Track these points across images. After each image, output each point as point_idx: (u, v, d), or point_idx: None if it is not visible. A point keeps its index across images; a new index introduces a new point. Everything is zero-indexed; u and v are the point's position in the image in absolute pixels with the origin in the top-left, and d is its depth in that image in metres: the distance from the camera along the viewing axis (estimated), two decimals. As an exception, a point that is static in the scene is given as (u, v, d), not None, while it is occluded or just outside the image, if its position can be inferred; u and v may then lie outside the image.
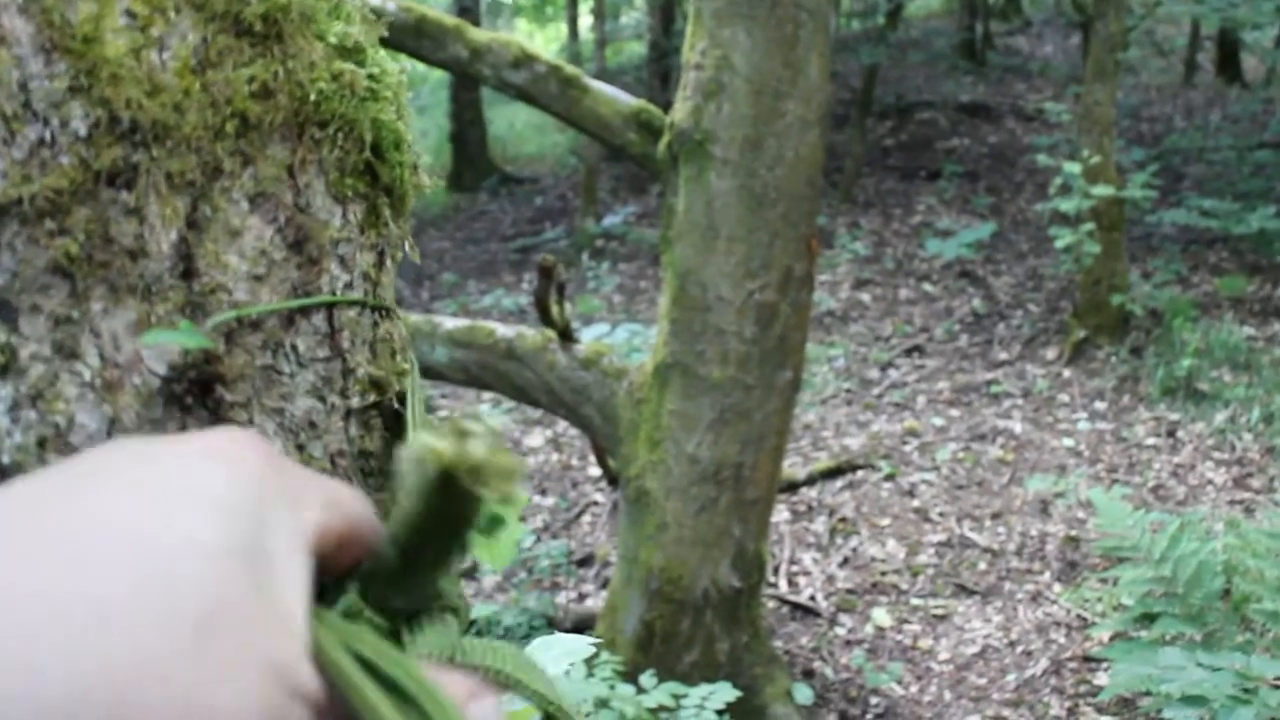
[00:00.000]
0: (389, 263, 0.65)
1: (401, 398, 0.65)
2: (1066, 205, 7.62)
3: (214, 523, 0.36)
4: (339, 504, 0.45)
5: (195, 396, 0.56)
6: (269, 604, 0.37)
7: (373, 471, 0.64)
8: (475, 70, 4.18)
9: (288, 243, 0.58)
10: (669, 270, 3.91)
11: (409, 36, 4.13)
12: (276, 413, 0.59)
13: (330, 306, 0.60)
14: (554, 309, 4.10)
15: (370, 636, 0.44)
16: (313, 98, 0.58)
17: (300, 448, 0.60)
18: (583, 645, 1.11)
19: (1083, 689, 4.42)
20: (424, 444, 0.42)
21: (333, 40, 0.59)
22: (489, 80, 4.27)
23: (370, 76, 0.61)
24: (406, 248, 0.68)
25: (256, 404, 0.58)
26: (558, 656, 1.10)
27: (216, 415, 0.57)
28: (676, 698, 3.39)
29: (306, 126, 0.58)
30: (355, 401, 0.62)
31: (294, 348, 0.59)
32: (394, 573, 0.48)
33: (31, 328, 0.53)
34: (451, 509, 0.44)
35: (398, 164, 0.64)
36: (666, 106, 3.88)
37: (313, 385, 0.60)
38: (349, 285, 0.61)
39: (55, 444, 0.55)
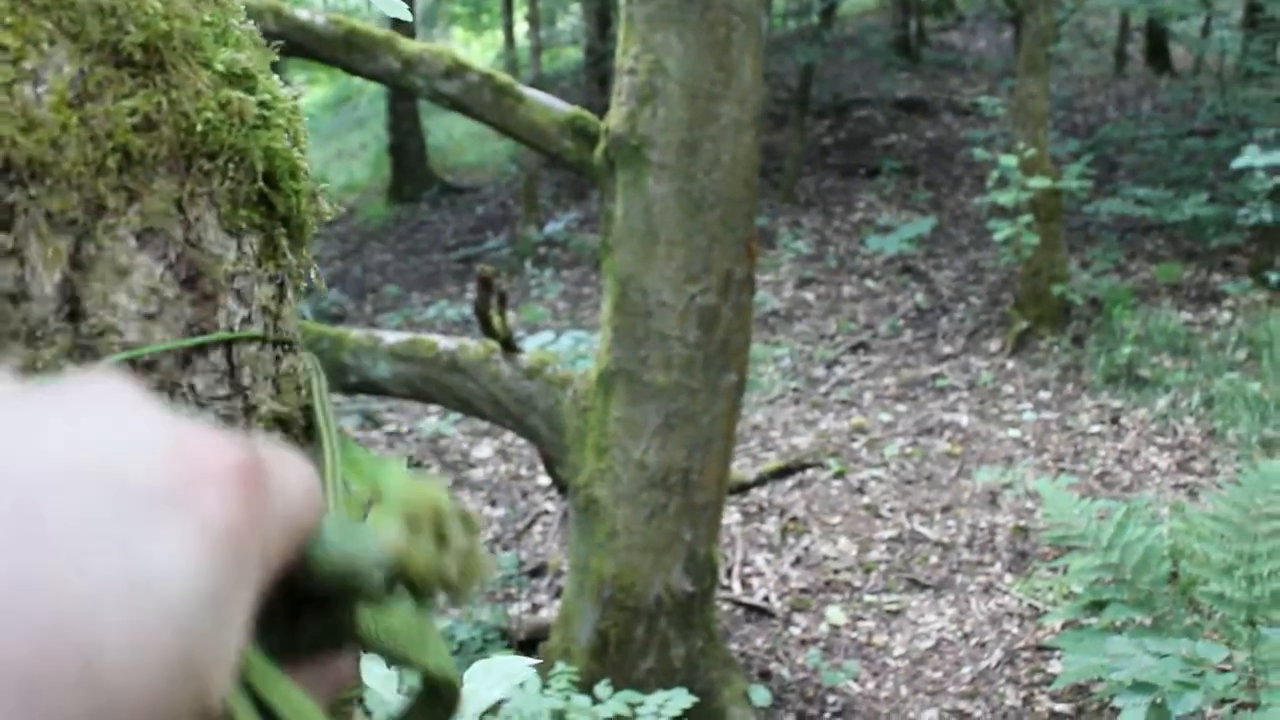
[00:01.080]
0: (290, 294, 0.63)
1: (308, 431, 0.63)
2: (1004, 198, 7.69)
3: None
4: (296, 520, 0.42)
5: None
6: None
7: (279, 511, 0.62)
8: (408, 82, 4.15)
9: (180, 279, 0.56)
10: (609, 276, 3.90)
11: (339, 50, 4.09)
12: None
13: (228, 343, 0.58)
14: (495, 320, 4.08)
15: (256, 659, 0.41)
16: (199, 128, 0.56)
17: (202, 490, 0.58)
18: (522, 667, 1.09)
19: (1037, 678, 4.45)
20: (387, 540, 0.40)
21: (220, 68, 0.57)
22: (422, 91, 4.24)
23: (261, 104, 0.59)
24: (311, 277, 0.66)
25: None
26: (498, 680, 1.08)
27: None
28: (633, 706, 3.38)
29: (194, 158, 0.56)
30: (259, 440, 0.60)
31: (191, 387, 0.57)
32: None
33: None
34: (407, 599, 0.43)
35: (294, 193, 0.62)
36: (604, 111, 3.87)
37: (213, 425, 0.58)
38: (247, 320, 0.59)
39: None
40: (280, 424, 0.61)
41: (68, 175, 0.52)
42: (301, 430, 0.63)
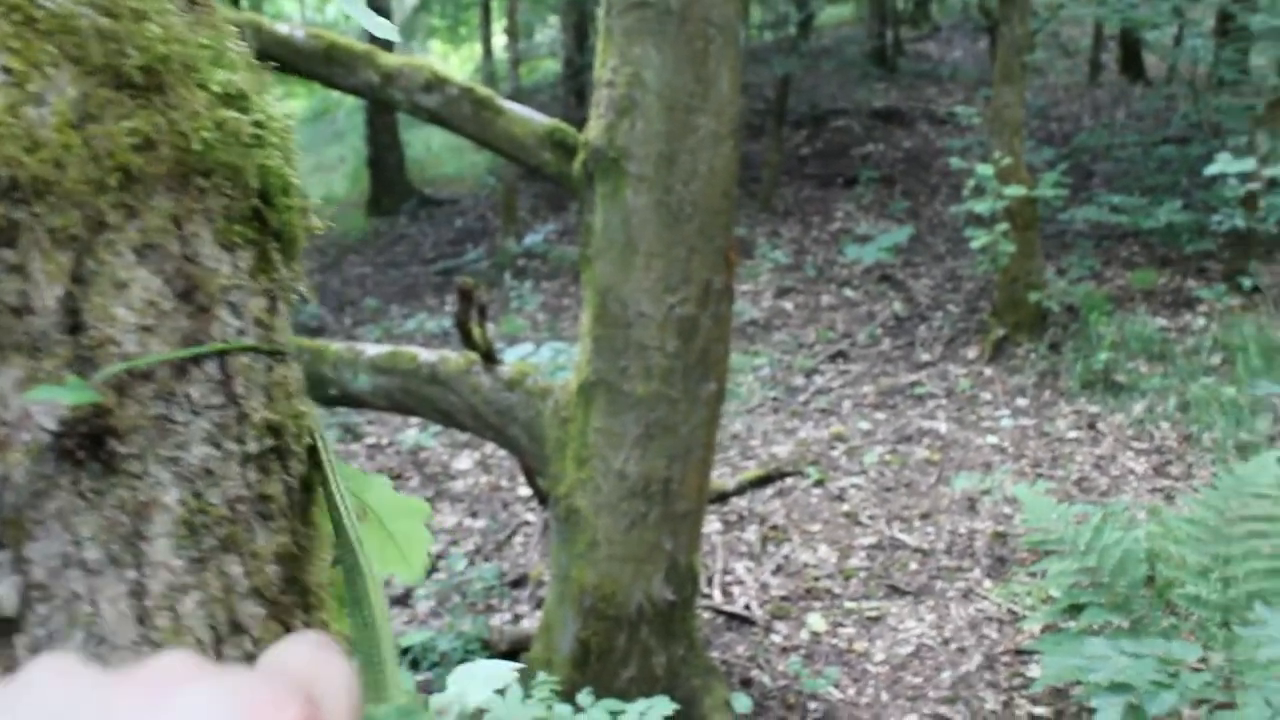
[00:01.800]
0: (282, 306, 0.65)
1: (298, 438, 0.65)
2: (980, 206, 7.74)
3: None
4: None
5: (88, 450, 0.56)
6: None
7: (272, 515, 0.64)
8: (387, 95, 4.17)
9: (176, 293, 0.58)
10: (589, 288, 3.92)
11: (319, 64, 4.11)
12: (172, 461, 0.59)
13: (223, 354, 0.60)
14: (475, 331, 4.10)
15: None
16: (196, 147, 0.58)
17: (198, 495, 0.60)
18: (505, 670, 1.11)
19: (1016, 682, 4.48)
20: None
21: (216, 88, 0.59)
22: (401, 105, 4.25)
23: (255, 123, 0.61)
24: (302, 290, 0.68)
25: (151, 454, 0.58)
26: (481, 683, 1.10)
27: (110, 468, 0.56)
28: (614, 714, 3.39)
29: (191, 176, 0.58)
30: (252, 447, 0.62)
31: (187, 396, 0.59)
32: None
33: (-85, 387, 0.53)
34: None
35: (286, 209, 0.64)
36: (582, 123, 3.89)
37: (208, 433, 0.60)
38: (241, 331, 0.61)
39: (-57, 506, 0.54)
40: (272, 431, 0.64)
41: (70, 193, 0.54)
42: (293, 436, 0.65)
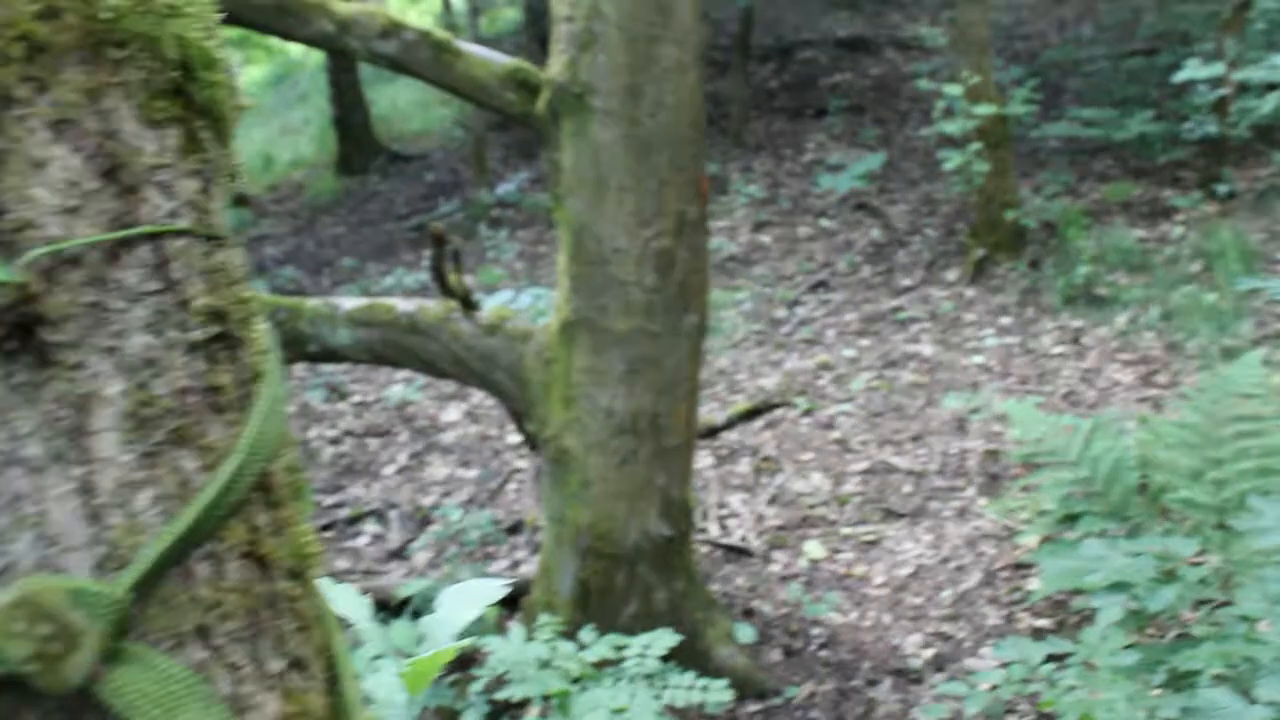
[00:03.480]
0: (216, 189, 0.62)
1: (244, 323, 0.62)
2: (951, 127, 7.70)
3: None
4: None
5: (18, 341, 0.52)
6: None
7: (224, 407, 0.61)
8: (344, 44, 4.10)
9: (99, 172, 0.54)
10: (563, 227, 3.88)
11: (272, 16, 4.03)
12: (110, 352, 0.55)
13: (155, 236, 0.56)
14: (451, 277, 4.05)
15: None
16: (105, 15, 0.54)
17: (141, 386, 0.57)
18: (495, 587, 1.09)
19: (1016, 595, 4.49)
20: None
21: (123, -47, 0.55)
22: (359, 53, 4.18)
23: (170, -9, 0.57)
24: (236, 173, 0.64)
25: (88, 344, 0.54)
26: (470, 601, 1.08)
27: (44, 359, 0.53)
28: (618, 649, 3.39)
29: (103, 47, 0.54)
30: (196, 335, 0.59)
31: (120, 282, 0.55)
32: None
33: None
34: None
35: (211, 84, 0.60)
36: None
37: (147, 321, 0.56)
38: (174, 214, 0.58)
39: None
40: (216, 317, 0.60)
41: (-31, 66, 0.50)
42: (239, 324, 0.62)
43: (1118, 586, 2.54)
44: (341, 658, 0.71)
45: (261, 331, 0.64)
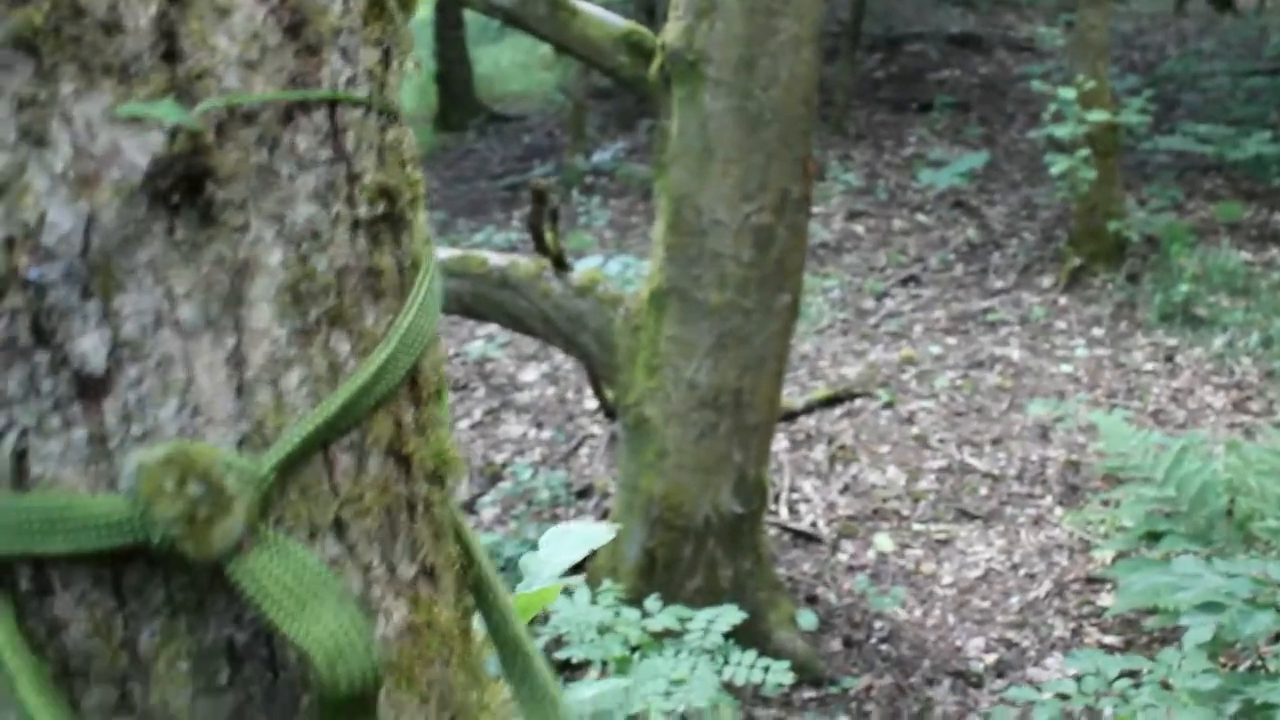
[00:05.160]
0: (395, 64, 0.59)
1: (414, 204, 0.59)
2: (1061, 131, 7.53)
3: None
4: None
5: (184, 195, 0.50)
6: None
7: (382, 292, 0.58)
8: (462, -9, 4.09)
9: (283, 26, 0.51)
10: (664, 195, 3.85)
11: (393, -42, 4.03)
12: (275, 219, 0.53)
13: (333, 103, 0.54)
14: (548, 235, 4.04)
15: None
16: None
17: (303, 259, 0.54)
18: (601, 531, 1.06)
19: (1086, 610, 4.40)
20: None
21: None
22: (477, 4, 4.18)
23: None
24: (413, 53, 0.61)
25: (253, 207, 0.52)
26: (573, 545, 1.05)
27: (208, 218, 0.51)
28: (682, 621, 3.36)
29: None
30: (363, 211, 0.56)
31: (293, 146, 0.53)
32: None
33: (-8, 110, 0.47)
34: None
35: (399, -50, 0.57)
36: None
37: (315, 190, 0.54)
38: (353, 81, 0.55)
39: (24, 245, 0.49)
40: (385, 196, 0.57)
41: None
42: (408, 205, 0.59)
43: (1210, 606, 2.46)
44: (486, 568, 0.69)
45: (424, 220, 0.61)
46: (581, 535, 1.05)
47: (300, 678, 0.57)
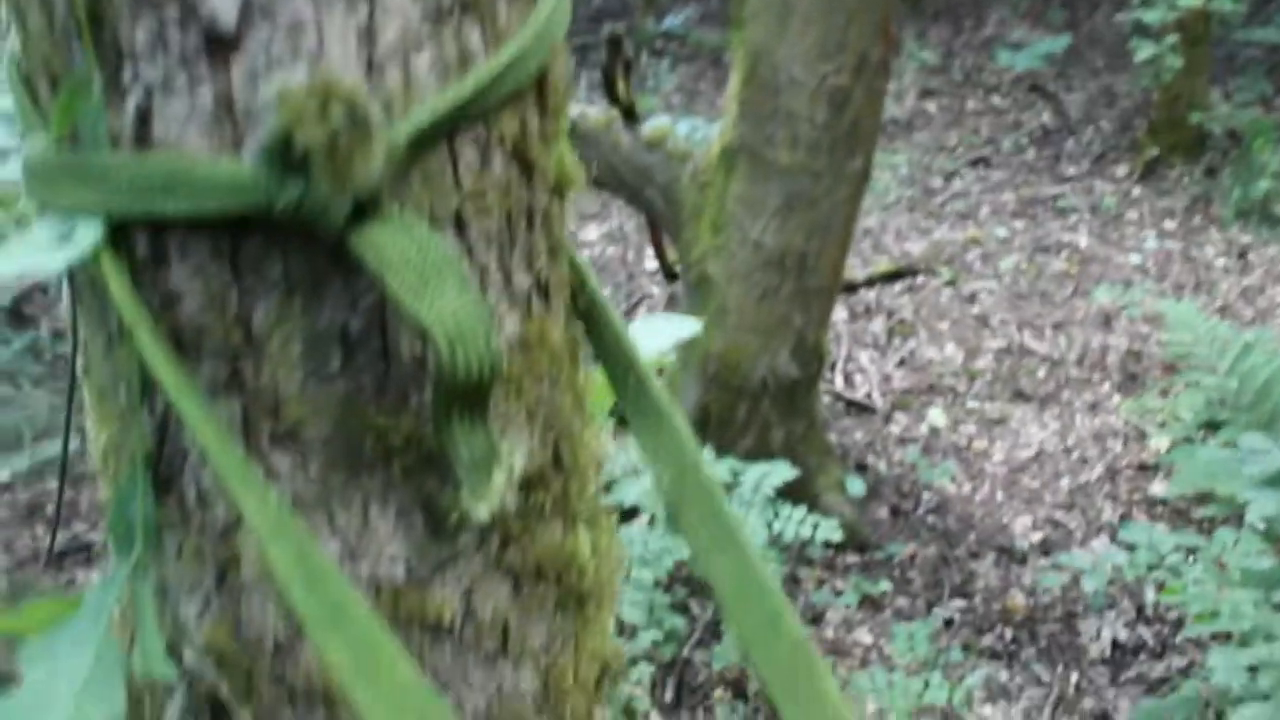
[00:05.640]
0: None
1: None
2: (1150, 16, 7.28)
3: None
4: None
5: None
6: None
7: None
8: None
9: None
10: (739, 51, 3.77)
11: None
12: None
13: None
14: (620, 85, 3.98)
15: None
16: None
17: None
18: (689, 324, 1.05)
19: (1136, 496, 4.38)
20: None
21: None
22: None
23: None
24: None
25: None
26: (660, 334, 1.04)
27: None
28: (735, 474, 3.38)
29: None
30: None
31: None
32: None
33: None
34: None
35: None
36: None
37: None
38: None
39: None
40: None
41: None
42: None
43: (1275, 481, 2.43)
44: (597, 293, 0.68)
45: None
46: (669, 325, 1.04)
47: (412, 373, 0.56)
